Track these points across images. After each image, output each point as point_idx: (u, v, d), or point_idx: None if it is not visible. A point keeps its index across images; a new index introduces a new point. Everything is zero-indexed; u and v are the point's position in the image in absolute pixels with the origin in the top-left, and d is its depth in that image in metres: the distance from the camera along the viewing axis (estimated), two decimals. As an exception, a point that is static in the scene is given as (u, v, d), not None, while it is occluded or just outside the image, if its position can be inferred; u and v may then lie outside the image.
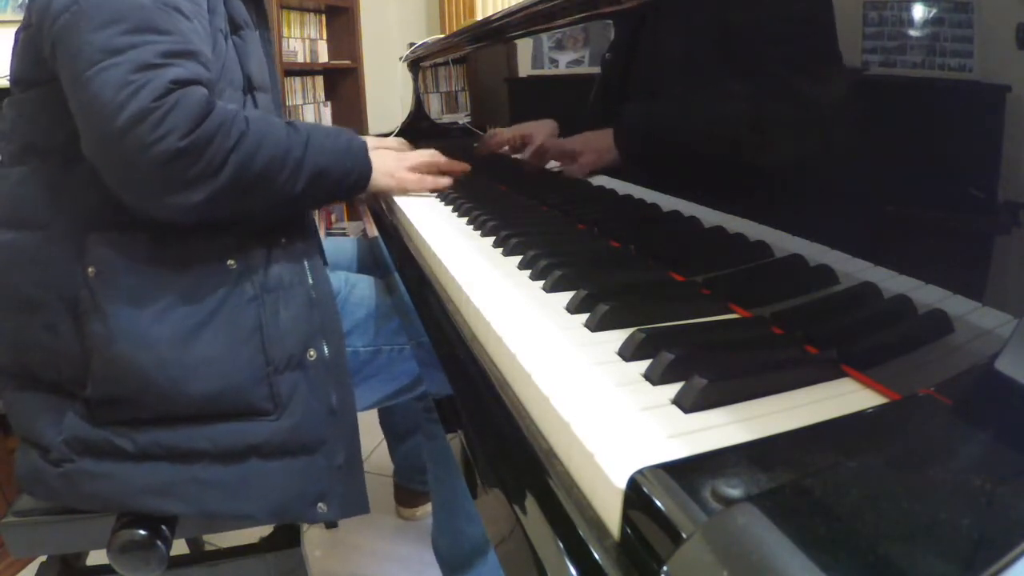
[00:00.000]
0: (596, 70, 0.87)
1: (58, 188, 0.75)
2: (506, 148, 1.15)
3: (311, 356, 0.80)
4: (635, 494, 0.31)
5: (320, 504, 0.79)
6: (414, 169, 1.04)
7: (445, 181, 1.07)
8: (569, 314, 0.55)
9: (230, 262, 0.78)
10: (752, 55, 0.59)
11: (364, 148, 0.90)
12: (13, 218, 0.77)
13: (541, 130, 1.02)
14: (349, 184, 0.88)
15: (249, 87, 0.88)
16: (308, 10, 3.44)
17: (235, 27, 0.88)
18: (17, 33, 0.78)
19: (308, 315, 0.81)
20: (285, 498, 0.78)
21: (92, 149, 0.70)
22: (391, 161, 1.02)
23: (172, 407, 0.75)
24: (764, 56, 0.57)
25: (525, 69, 1.09)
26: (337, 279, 0.93)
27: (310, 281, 0.83)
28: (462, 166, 1.10)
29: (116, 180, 0.71)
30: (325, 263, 1.02)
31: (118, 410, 0.75)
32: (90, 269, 0.74)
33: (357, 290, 0.94)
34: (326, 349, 0.81)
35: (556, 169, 0.98)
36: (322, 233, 3.31)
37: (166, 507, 0.76)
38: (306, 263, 0.84)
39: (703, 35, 0.66)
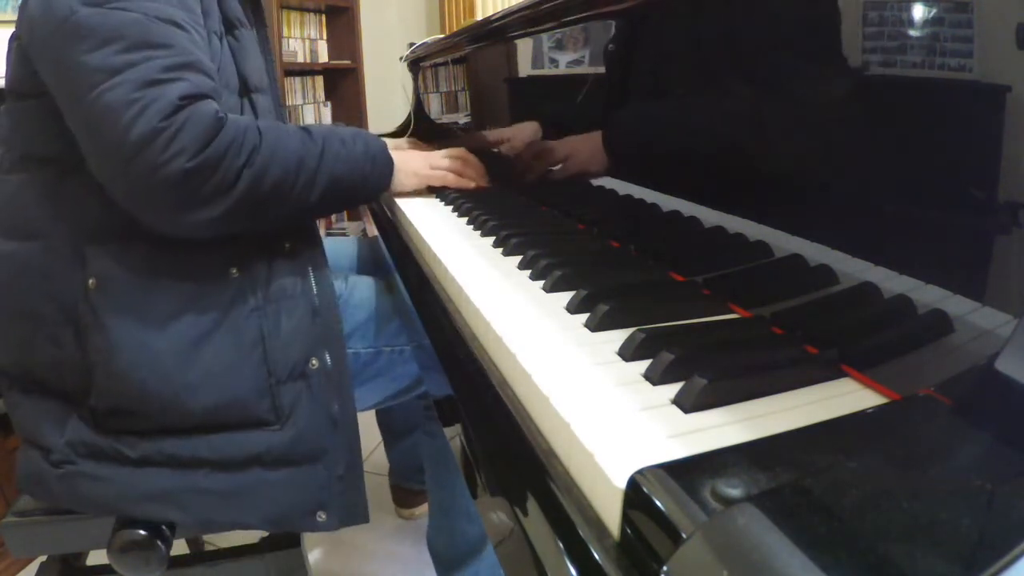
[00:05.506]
0: (596, 70, 0.87)
1: (56, 198, 0.74)
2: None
3: (313, 365, 0.79)
4: (635, 494, 0.31)
5: (319, 513, 0.78)
6: (438, 168, 1.06)
7: (467, 183, 1.08)
8: (569, 314, 0.55)
9: (232, 270, 0.78)
10: (751, 55, 0.58)
11: (383, 151, 0.89)
12: (14, 228, 0.76)
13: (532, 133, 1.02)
14: (368, 189, 0.88)
15: (245, 89, 0.86)
16: (308, 10, 3.44)
17: (230, 27, 0.85)
18: (10, 40, 0.76)
19: (310, 324, 0.80)
20: (285, 507, 0.78)
21: (101, 171, 0.69)
22: (416, 161, 1.04)
23: (175, 419, 0.74)
24: (763, 56, 0.57)
25: (525, 69, 1.09)
26: (338, 281, 0.92)
27: (314, 290, 0.82)
28: (481, 182, 1.10)
29: (128, 200, 0.70)
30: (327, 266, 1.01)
31: (122, 420, 0.75)
32: (90, 281, 0.73)
33: (357, 291, 0.93)
34: (328, 358, 0.80)
35: (556, 170, 0.98)
36: (322, 233, 3.32)
37: (164, 514, 0.75)
38: (310, 270, 0.83)
39: (702, 35, 0.66)
